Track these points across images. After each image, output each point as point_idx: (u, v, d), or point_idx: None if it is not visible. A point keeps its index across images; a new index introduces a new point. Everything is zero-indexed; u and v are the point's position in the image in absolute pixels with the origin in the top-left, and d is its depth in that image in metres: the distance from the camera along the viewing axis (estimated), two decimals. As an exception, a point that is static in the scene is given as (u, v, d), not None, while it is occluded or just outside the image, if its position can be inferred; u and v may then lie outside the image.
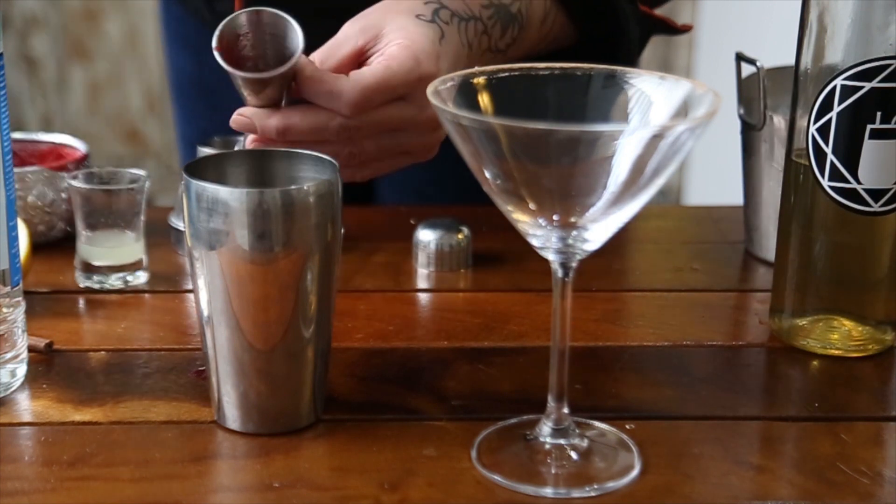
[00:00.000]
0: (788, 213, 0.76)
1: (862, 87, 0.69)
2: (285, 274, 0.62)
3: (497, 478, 0.61)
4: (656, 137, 0.53)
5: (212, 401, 0.66)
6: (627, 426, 0.66)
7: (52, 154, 0.96)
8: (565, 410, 0.63)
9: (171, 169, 2.88)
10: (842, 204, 0.72)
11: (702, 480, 0.61)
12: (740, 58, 0.90)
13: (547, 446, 0.63)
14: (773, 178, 0.89)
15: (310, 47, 0.74)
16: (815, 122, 0.72)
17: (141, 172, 0.86)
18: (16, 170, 0.87)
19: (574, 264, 0.60)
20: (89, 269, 0.85)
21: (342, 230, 0.66)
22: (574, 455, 0.63)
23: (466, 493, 0.60)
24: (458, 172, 0.74)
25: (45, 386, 0.71)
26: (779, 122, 0.88)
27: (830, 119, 0.71)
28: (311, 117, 0.73)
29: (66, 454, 0.63)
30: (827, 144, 0.71)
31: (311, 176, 0.66)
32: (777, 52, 0.97)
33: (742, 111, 0.92)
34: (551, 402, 0.63)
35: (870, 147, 0.70)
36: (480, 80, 0.61)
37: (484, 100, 0.61)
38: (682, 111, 0.58)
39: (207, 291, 0.63)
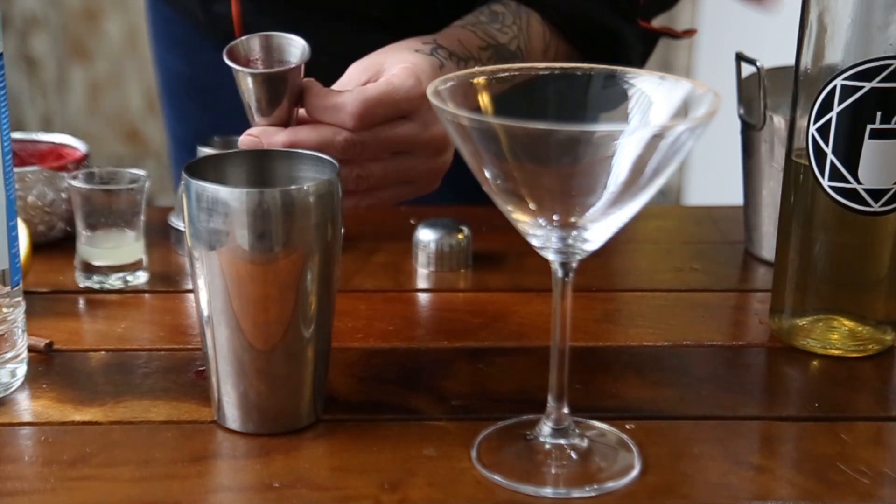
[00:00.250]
0: (788, 213, 0.76)
1: (862, 87, 0.69)
2: (285, 274, 0.62)
3: (497, 478, 0.61)
4: (656, 137, 0.53)
5: (212, 401, 0.66)
6: (627, 426, 0.66)
7: (52, 154, 0.96)
8: (565, 410, 0.63)
9: (170, 169, 2.87)
10: (842, 204, 0.72)
11: (702, 480, 0.61)
12: (740, 58, 0.90)
13: (547, 446, 0.63)
14: (773, 178, 0.89)
15: (315, 50, 0.74)
16: (815, 121, 0.72)
17: (141, 172, 0.86)
18: (16, 170, 0.87)
19: (574, 264, 0.60)
20: (89, 269, 0.85)
21: (342, 230, 0.66)
22: (574, 455, 0.63)
23: (466, 493, 0.60)
24: (458, 172, 0.74)
25: (45, 386, 0.71)
26: (779, 122, 0.88)
27: (830, 119, 0.71)
28: (317, 133, 0.73)
29: (66, 454, 0.63)
30: (827, 144, 0.71)
31: (311, 176, 0.66)
32: (777, 52, 0.97)
33: (742, 111, 0.92)
34: (551, 402, 0.63)
35: (870, 147, 0.70)
36: (480, 80, 0.61)
37: (484, 100, 0.61)
38: (682, 111, 0.58)
39: (207, 291, 0.63)
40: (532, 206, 0.56)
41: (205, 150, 0.89)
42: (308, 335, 0.64)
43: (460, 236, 0.90)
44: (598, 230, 0.57)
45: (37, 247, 0.89)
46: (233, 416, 0.65)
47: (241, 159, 0.68)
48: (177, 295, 0.85)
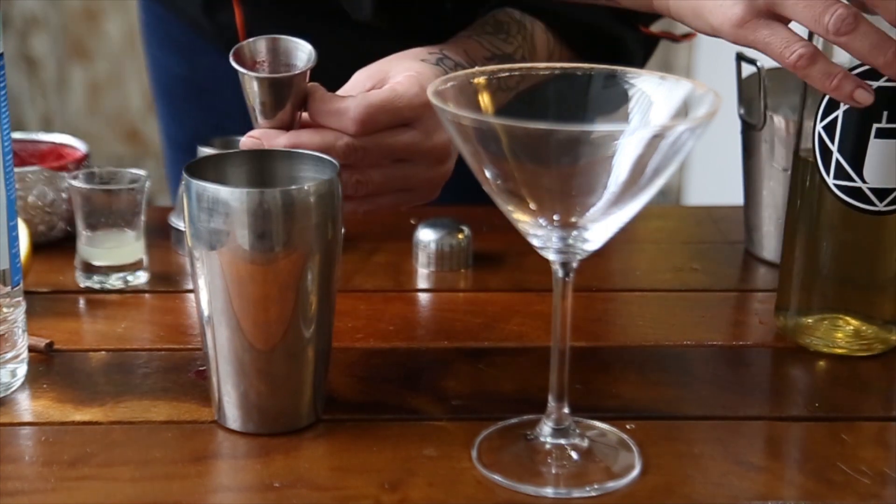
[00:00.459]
0: (795, 212, 0.76)
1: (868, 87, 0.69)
2: (285, 274, 0.62)
3: (497, 478, 0.61)
4: (656, 137, 0.53)
5: (212, 401, 0.66)
6: (627, 426, 0.66)
7: (52, 154, 0.96)
8: (565, 410, 0.63)
9: (166, 170, 2.87)
10: (847, 203, 0.72)
11: (702, 480, 0.61)
12: (740, 58, 0.90)
13: (547, 446, 0.63)
14: (774, 178, 0.89)
15: (321, 57, 0.74)
16: (822, 120, 0.72)
17: (141, 172, 0.86)
18: (16, 170, 0.87)
19: (574, 264, 0.60)
20: (89, 269, 0.85)
21: (342, 230, 0.66)
22: (574, 455, 0.63)
23: (466, 493, 0.60)
24: (458, 172, 0.74)
25: (45, 386, 0.71)
26: (779, 122, 0.88)
27: (836, 118, 0.71)
28: (319, 137, 0.73)
29: (66, 454, 0.63)
30: (833, 143, 0.71)
31: (312, 176, 0.66)
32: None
33: (742, 111, 0.92)
34: (551, 402, 0.63)
35: (875, 146, 0.70)
36: (480, 80, 0.61)
37: (484, 100, 0.61)
38: (682, 111, 0.58)
39: (208, 291, 0.63)
40: (532, 206, 0.56)
41: (205, 150, 0.90)
42: (308, 335, 0.64)
43: (460, 236, 0.90)
44: (598, 230, 0.57)
45: (37, 247, 0.89)
46: (233, 416, 0.65)
47: (241, 159, 0.68)
48: (177, 295, 0.85)
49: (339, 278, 0.68)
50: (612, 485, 0.61)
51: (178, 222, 0.92)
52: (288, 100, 0.73)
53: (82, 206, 0.84)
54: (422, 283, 0.88)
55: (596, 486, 0.60)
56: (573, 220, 0.56)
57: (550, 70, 0.63)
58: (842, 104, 0.70)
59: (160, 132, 1.27)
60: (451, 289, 0.87)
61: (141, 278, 0.86)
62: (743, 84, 0.92)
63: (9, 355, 0.69)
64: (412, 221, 0.94)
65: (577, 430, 0.64)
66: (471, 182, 0.60)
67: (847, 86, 0.66)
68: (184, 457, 0.63)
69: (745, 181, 0.94)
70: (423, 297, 0.86)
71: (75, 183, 0.84)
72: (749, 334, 0.80)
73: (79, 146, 0.97)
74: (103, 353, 0.75)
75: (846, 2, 0.65)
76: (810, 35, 0.69)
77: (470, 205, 0.90)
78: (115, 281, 0.85)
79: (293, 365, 0.64)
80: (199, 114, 1.16)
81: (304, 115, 0.75)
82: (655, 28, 0.96)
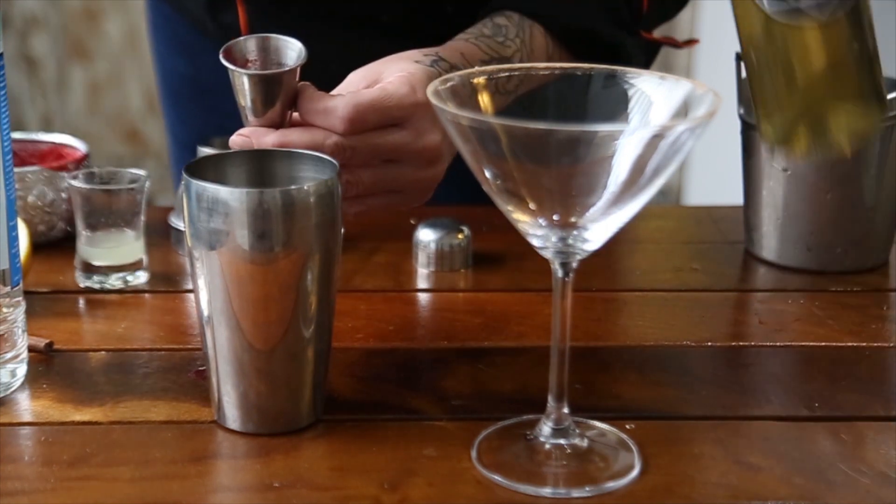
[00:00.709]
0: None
1: None
2: (285, 274, 0.62)
3: (497, 478, 0.61)
4: (656, 137, 0.53)
5: (212, 401, 0.66)
6: (627, 426, 0.66)
7: (52, 154, 0.96)
8: (565, 410, 0.63)
9: (171, 169, 2.87)
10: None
11: (702, 480, 0.61)
12: (741, 58, 0.90)
13: (547, 446, 0.63)
14: (773, 177, 0.89)
15: (324, 58, 0.74)
16: None
17: (141, 172, 0.86)
18: (16, 170, 0.87)
19: (574, 264, 0.60)
20: (89, 269, 0.85)
21: (342, 230, 0.66)
22: (574, 455, 0.63)
23: (466, 493, 0.60)
24: (458, 172, 0.74)
25: (45, 386, 0.71)
26: (779, 121, 0.88)
27: None
28: (308, 135, 0.73)
29: (66, 454, 0.63)
30: None
31: (311, 176, 0.66)
32: (777, 52, 0.97)
33: (742, 111, 0.92)
34: (551, 402, 0.63)
35: None
36: (480, 80, 0.61)
37: (484, 100, 0.61)
38: (682, 111, 0.58)
39: (207, 291, 0.63)
40: (532, 206, 0.56)
41: (205, 150, 0.90)
42: (308, 335, 0.64)
43: (460, 236, 0.90)
44: (598, 230, 0.57)
45: (37, 247, 0.89)
46: (233, 416, 0.65)
47: (241, 159, 0.68)
48: (177, 295, 0.85)
49: (339, 278, 0.68)
50: (612, 485, 0.61)
51: (178, 222, 0.92)
52: (278, 98, 0.73)
53: (82, 206, 0.84)
54: (422, 283, 0.88)
55: (595, 487, 0.60)
56: (573, 220, 0.56)
57: (550, 71, 0.63)
58: None
59: (166, 131, 1.27)
60: (450, 289, 0.87)
61: (141, 278, 0.86)
62: (743, 84, 0.91)
63: (8, 355, 0.69)
64: (412, 221, 0.94)
65: (577, 431, 0.64)
66: (471, 182, 0.60)
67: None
68: (183, 457, 0.63)
69: (744, 181, 0.94)
70: (423, 297, 0.86)
71: (75, 183, 0.84)
72: (749, 334, 0.80)
73: (79, 146, 0.97)
74: (103, 353, 0.75)
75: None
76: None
77: (470, 205, 0.90)
78: (114, 281, 0.85)
79: (293, 365, 0.64)
80: (203, 114, 1.16)
81: (296, 114, 0.75)
82: (657, 34, 0.96)
